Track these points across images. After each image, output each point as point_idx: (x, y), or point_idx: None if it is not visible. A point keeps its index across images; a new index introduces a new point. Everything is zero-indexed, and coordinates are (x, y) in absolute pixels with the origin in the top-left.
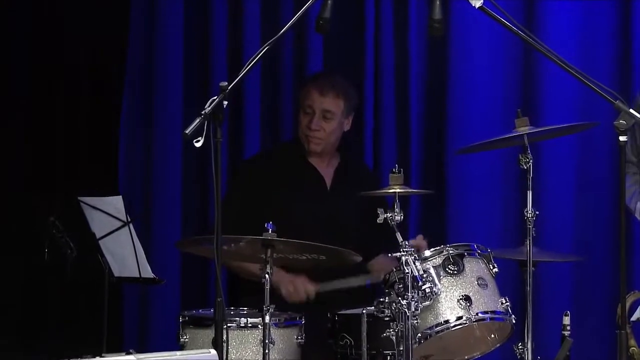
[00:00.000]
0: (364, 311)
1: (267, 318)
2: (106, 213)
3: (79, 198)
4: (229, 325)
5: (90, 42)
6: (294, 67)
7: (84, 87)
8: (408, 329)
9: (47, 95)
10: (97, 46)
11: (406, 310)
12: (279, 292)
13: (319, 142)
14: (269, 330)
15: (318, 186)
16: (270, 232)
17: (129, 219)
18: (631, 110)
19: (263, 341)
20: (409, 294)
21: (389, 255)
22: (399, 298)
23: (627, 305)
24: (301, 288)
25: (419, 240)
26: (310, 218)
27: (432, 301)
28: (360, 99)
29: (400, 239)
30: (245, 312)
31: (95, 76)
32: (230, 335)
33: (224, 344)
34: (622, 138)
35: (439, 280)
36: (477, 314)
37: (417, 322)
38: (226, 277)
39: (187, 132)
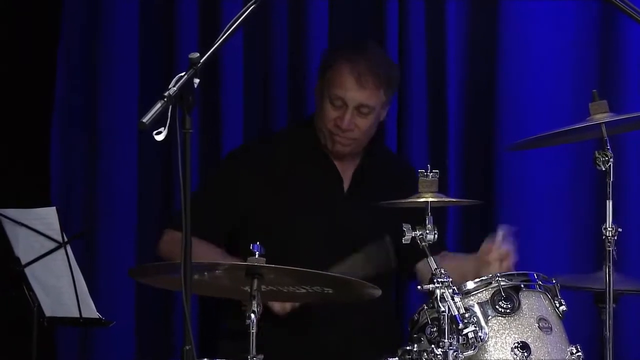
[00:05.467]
0: None
1: None
2: (35, 230)
3: None
4: None
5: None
6: (290, 32)
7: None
8: None
9: None
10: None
11: None
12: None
13: (349, 144)
14: None
15: (333, 188)
16: (257, 255)
17: (66, 239)
18: None
19: None
20: (446, 341)
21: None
22: (432, 346)
23: None
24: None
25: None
26: (320, 232)
27: (476, 350)
28: None
29: (433, 265)
30: None
31: (18, 50)
32: None
33: None
34: None
35: (486, 321)
36: None
37: None
38: (197, 316)
39: (144, 120)
